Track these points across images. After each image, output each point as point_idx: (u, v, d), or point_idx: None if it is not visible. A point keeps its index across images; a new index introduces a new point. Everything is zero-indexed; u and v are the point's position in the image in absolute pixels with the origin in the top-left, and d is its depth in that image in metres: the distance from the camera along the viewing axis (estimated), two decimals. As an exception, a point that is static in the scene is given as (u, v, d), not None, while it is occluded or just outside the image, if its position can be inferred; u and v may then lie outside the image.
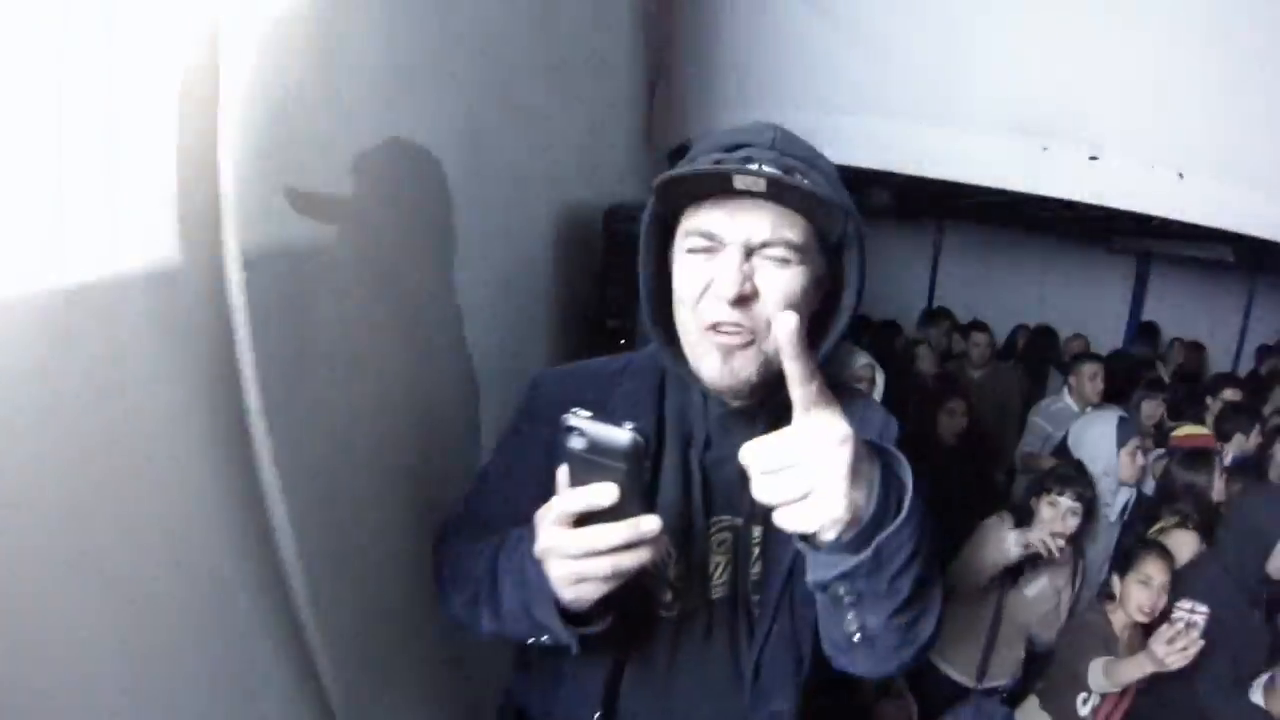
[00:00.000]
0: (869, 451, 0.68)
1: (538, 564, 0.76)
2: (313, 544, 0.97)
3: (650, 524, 0.70)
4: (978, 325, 4.26)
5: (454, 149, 1.25)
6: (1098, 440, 2.77)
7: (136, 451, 0.78)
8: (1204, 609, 2.08)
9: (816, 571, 0.69)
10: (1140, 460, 2.78)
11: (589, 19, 1.97)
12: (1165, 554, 2.16)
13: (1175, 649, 1.82)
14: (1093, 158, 2.64)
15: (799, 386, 0.65)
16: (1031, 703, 2.23)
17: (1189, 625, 1.92)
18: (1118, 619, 2.13)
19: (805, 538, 0.67)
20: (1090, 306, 5.94)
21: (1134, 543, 2.38)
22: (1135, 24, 2.50)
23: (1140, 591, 2.08)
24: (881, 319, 5.26)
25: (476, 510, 1.02)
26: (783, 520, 0.65)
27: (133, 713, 0.77)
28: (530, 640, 0.86)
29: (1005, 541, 2.22)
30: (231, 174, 0.81)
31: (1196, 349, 5.44)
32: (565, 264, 1.93)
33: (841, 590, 0.68)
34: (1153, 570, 2.09)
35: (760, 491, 0.65)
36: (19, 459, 0.66)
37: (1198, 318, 5.97)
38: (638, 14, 2.36)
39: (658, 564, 0.88)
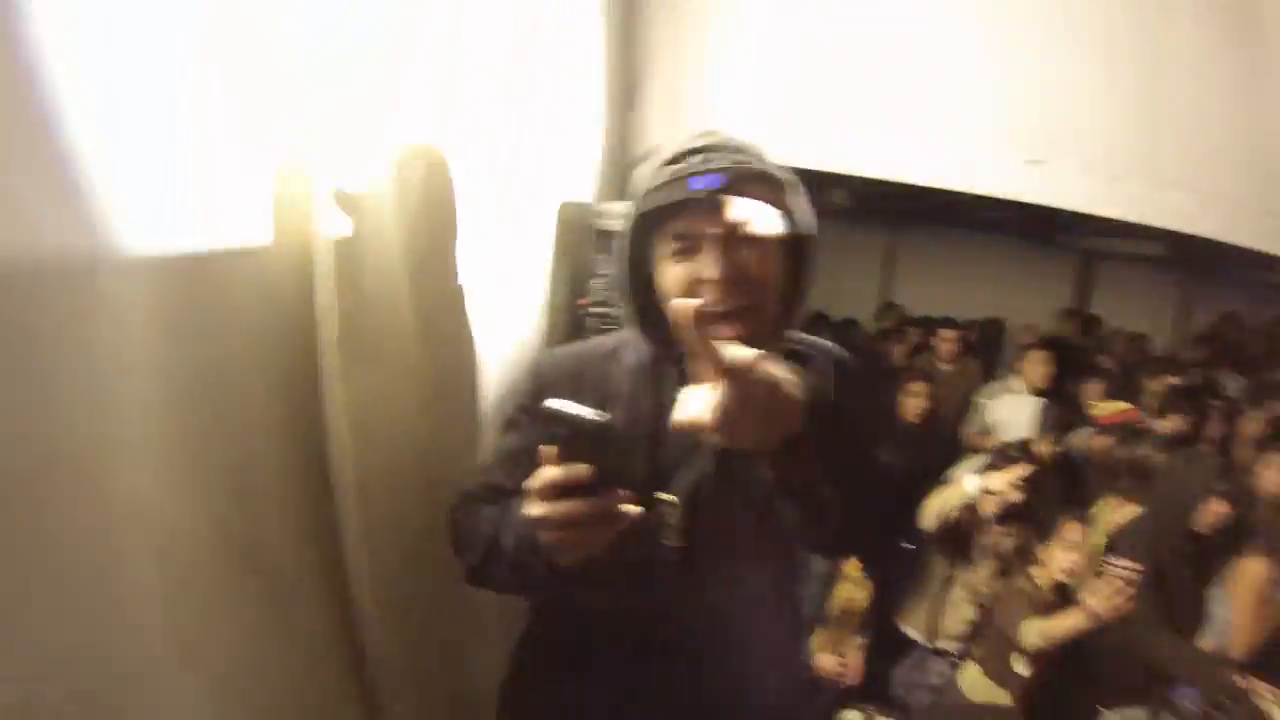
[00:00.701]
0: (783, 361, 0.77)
1: (531, 528, 0.84)
2: (370, 502, 1.06)
3: (618, 498, 0.79)
4: (946, 322, 4.28)
5: (470, 151, 1.38)
6: (1012, 418, 2.99)
7: (236, 405, 0.88)
8: (1136, 566, 2.15)
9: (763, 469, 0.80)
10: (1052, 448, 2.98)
11: (570, 39, 2.14)
12: (1084, 518, 2.32)
13: (1107, 601, 1.96)
14: (1033, 161, 2.90)
15: (701, 357, 0.72)
16: (974, 670, 2.30)
17: (1124, 581, 2.02)
18: (1044, 581, 2.24)
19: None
20: (1036, 303, 6.10)
21: (1053, 510, 2.48)
22: (1072, 43, 2.76)
23: (1064, 554, 2.20)
24: (841, 318, 5.48)
25: (488, 482, 1.11)
26: (754, 448, 0.75)
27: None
28: (532, 590, 1.00)
29: (964, 482, 2.43)
30: (320, 171, 0.97)
31: (1139, 339, 5.64)
32: (558, 256, 2.07)
33: (781, 474, 0.81)
34: (1073, 534, 2.22)
35: (725, 441, 0.73)
36: (138, 409, 0.72)
37: (1139, 312, 6.26)
38: (615, 32, 2.54)
39: (664, 513, 1.01)
